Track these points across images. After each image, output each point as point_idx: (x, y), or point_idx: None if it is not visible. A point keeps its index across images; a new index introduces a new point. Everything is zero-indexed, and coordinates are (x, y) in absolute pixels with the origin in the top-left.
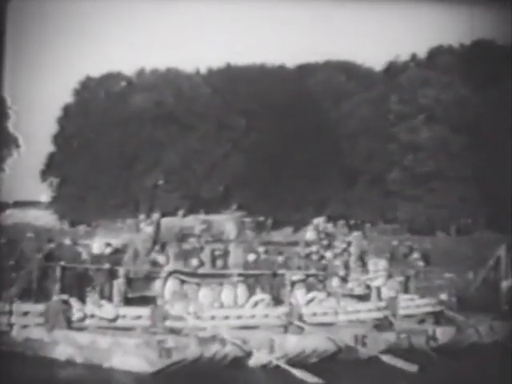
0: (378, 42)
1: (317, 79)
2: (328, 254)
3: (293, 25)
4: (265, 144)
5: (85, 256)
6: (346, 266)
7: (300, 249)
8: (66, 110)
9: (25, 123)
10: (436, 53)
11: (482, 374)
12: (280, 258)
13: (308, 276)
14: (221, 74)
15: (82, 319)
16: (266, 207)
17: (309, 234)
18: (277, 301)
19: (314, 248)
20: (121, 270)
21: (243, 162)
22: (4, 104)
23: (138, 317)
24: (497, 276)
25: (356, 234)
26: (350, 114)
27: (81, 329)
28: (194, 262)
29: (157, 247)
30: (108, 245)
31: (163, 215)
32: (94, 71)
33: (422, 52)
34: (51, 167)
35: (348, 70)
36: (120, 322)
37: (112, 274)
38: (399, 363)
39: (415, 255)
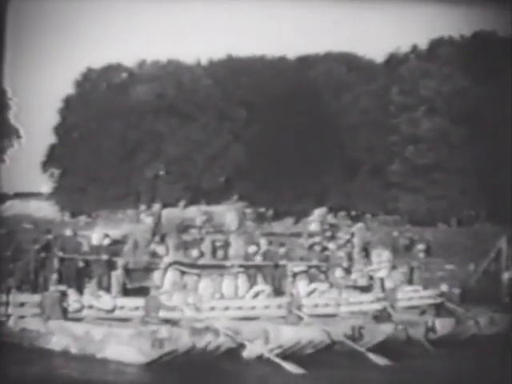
0: (379, 34)
1: (317, 71)
2: (331, 246)
3: (293, 17)
4: (265, 135)
5: (85, 247)
6: (350, 257)
7: (303, 240)
8: (67, 101)
9: (26, 114)
10: (437, 44)
11: (481, 366)
12: (282, 249)
13: (310, 267)
14: (222, 65)
15: (80, 310)
16: (267, 198)
17: (312, 225)
18: (278, 292)
19: (316, 239)
20: (119, 261)
21: (244, 153)
22: (5, 95)
23: (136, 308)
24: (497, 268)
25: (359, 225)
26: (351, 106)
27: (77, 319)
28: (194, 253)
29: (157, 238)
30: (106, 236)
31: (164, 206)
32: (95, 63)
33: (422, 44)
34: (52, 158)
35: (349, 62)
36: (118, 313)
37: (110, 265)
38: (382, 362)
39: (420, 246)
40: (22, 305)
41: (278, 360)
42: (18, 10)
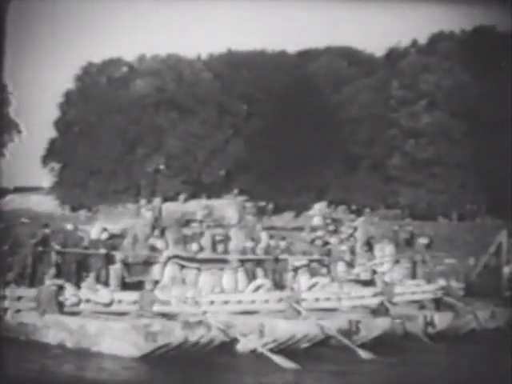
0: (379, 28)
1: (318, 65)
2: (333, 240)
3: (294, 11)
4: (266, 129)
5: (86, 241)
6: (352, 252)
7: (305, 234)
8: (68, 95)
9: (26, 109)
10: (437, 39)
11: (479, 360)
12: (283, 243)
13: (311, 261)
14: (222, 59)
15: (77, 304)
16: (267, 192)
17: (315, 219)
18: (279, 286)
19: (319, 233)
20: (117, 255)
21: (244, 148)
22: (5, 90)
23: (134, 302)
24: (498, 262)
25: (362, 219)
26: (351, 100)
27: (74, 313)
28: (194, 246)
29: (156, 232)
30: (104, 230)
31: (164, 200)
32: (95, 57)
33: (422, 38)
34: (52, 153)
35: (349, 56)
36: (115, 307)
37: (109, 259)
38: (368, 356)
39: (423, 240)
40: (19, 299)
41: (270, 354)
42: (19, 4)
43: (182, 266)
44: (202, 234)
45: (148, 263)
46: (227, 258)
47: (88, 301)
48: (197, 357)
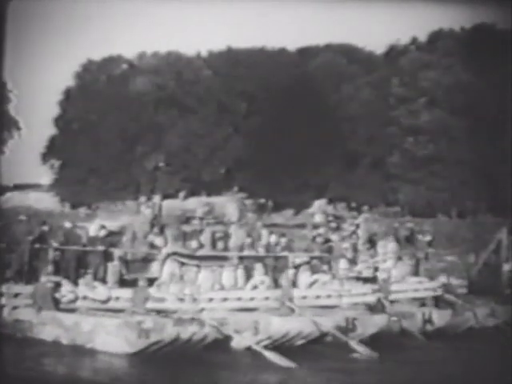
0: (379, 26)
1: (318, 62)
2: (334, 237)
3: (293, 8)
4: (265, 127)
5: (85, 239)
6: (354, 249)
7: (307, 231)
8: (68, 93)
9: (26, 106)
10: (436, 36)
11: (476, 358)
12: (283, 241)
13: (312, 258)
14: (222, 57)
15: (74, 301)
16: (267, 189)
17: (317, 216)
18: (280, 283)
19: (320, 230)
20: (116, 252)
21: (244, 145)
22: (5, 87)
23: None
24: (498, 259)
25: (364, 216)
26: (351, 98)
27: (71, 310)
28: (194, 244)
29: (155, 229)
30: (102, 227)
31: (164, 197)
32: (95, 54)
33: (422, 36)
34: (52, 150)
35: (349, 54)
36: (112, 304)
37: (107, 256)
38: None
39: (426, 238)
40: (16, 296)
41: (264, 352)
42: (20, 2)
43: (182, 264)
44: (201, 232)
45: (147, 260)
46: (227, 255)
47: (85, 298)
48: (191, 354)
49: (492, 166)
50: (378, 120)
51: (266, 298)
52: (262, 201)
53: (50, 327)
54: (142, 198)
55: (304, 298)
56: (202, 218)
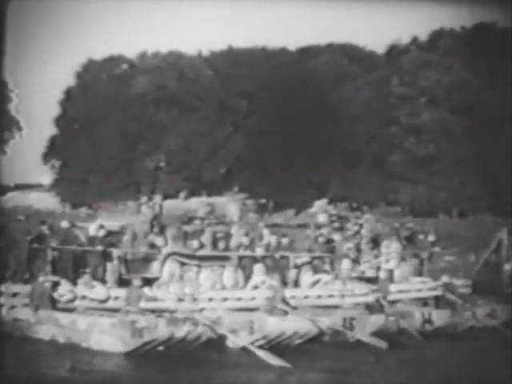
0: (380, 25)
1: (318, 62)
2: (336, 237)
3: (294, 8)
4: (266, 126)
5: (83, 239)
6: (358, 249)
7: (310, 231)
8: (68, 92)
9: (27, 106)
10: (437, 36)
11: (474, 358)
12: (285, 241)
13: (314, 258)
14: (222, 56)
15: (72, 300)
16: (268, 189)
17: (321, 216)
18: (281, 283)
19: (323, 231)
20: (115, 252)
21: (245, 144)
22: (6, 87)
23: None
24: (498, 259)
25: (368, 216)
26: (351, 97)
27: (69, 310)
28: (194, 244)
29: (156, 229)
30: (101, 227)
31: (165, 197)
32: (96, 54)
33: (423, 35)
34: (53, 150)
35: (349, 53)
36: (111, 303)
37: (106, 256)
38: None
39: (431, 237)
40: (14, 295)
41: (256, 351)
42: (20, 2)
43: (182, 263)
44: (202, 232)
45: (147, 260)
46: (227, 255)
47: (84, 297)
48: (186, 353)
49: (493, 166)
50: (378, 119)
51: (268, 298)
52: (263, 201)
53: (46, 326)
54: (143, 198)
55: (306, 297)
56: (203, 218)
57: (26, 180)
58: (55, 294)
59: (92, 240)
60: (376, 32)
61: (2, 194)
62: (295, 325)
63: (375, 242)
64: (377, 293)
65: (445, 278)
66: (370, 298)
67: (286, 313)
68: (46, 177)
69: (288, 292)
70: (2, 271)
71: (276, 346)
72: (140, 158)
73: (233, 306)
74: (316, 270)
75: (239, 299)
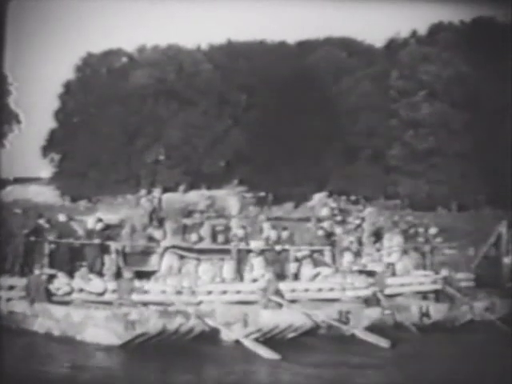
0: (379, 19)
1: (317, 55)
2: (338, 230)
3: (293, 1)
4: (266, 119)
5: (81, 232)
6: (360, 242)
7: (311, 225)
8: (68, 86)
9: (26, 99)
10: (436, 29)
11: (471, 352)
12: (285, 234)
13: (314, 251)
14: (222, 50)
15: (69, 293)
16: (267, 182)
17: (323, 210)
18: (281, 276)
19: (325, 224)
20: (112, 245)
21: (244, 138)
22: (5, 80)
23: None
24: (498, 252)
25: (370, 209)
26: (351, 91)
27: (66, 302)
28: (193, 237)
29: (154, 222)
30: (99, 220)
31: (164, 191)
32: (95, 48)
33: (422, 29)
34: (52, 143)
35: (349, 47)
36: (108, 296)
37: (104, 249)
38: (374, 339)
39: (433, 231)
40: (11, 288)
41: (248, 343)
42: None
43: (181, 257)
44: (201, 225)
45: (146, 253)
46: (227, 248)
47: (81, 290)
48: (179, 345)
49: (492, 159)
50: (377, 113)
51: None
52: (262, 194)
53: (41, 319)
54: (142, 191)
55: (306, 290)
56: (202, 212)
57: (25, 173)
58: (52, 287)
59: (90, 233)
60: (375, 26)
61: (2, 187)
62: (289, 318)
63: (377, 236)
64: (374, 286)
65: (444, 272)
66: (370, 292)
67: (280, 305)
68: (46, 170)
69: (288, 285)
70: (4, 264)
71: (270, 339)
72: (139, 152)
73: (231, 299)
74: (316, 264)
75: (238, 292)
